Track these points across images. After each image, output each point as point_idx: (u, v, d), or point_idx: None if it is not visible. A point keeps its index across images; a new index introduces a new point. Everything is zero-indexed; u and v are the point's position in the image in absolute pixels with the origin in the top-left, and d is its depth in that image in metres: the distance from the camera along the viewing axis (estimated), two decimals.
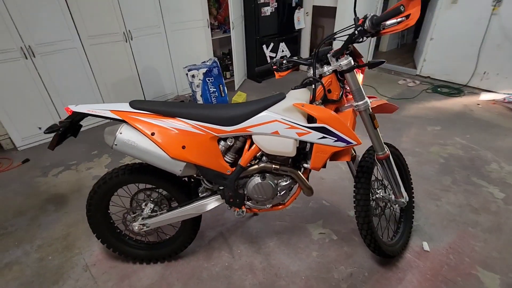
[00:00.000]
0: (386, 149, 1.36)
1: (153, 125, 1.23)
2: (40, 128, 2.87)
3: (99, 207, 1.43)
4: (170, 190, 1.43)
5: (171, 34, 3.37)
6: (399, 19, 1.06)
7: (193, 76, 3.06)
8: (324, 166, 1.31)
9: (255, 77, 4.29)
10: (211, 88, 3.18)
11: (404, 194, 1.46)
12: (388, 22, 1.07)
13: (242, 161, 1.31)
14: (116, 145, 1.22)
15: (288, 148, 1.27)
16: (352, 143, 1.22)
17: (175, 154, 1.23)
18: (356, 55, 1.27)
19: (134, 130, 1.23)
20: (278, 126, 1.24)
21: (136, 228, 1.44)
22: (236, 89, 3.96)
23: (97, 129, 3.14)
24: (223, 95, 3.27)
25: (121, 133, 1.22)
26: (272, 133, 1.25)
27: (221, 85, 3.21)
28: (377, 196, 1.52)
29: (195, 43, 3.62)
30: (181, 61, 3.56)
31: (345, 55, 1.20)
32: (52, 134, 1.28)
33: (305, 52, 4.55)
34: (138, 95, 3.39)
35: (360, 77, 1.32)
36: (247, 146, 1.31)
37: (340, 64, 1.20)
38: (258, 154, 1.32)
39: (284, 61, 1.32)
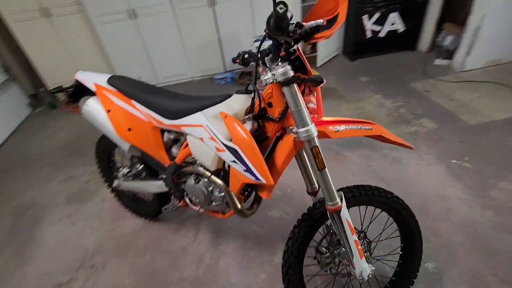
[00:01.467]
0: (338, 200, 0.97)
1: (112, 103, 1.32)
2: (140, 77, 3.55)
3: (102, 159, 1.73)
4: (146, 163, 1.53)
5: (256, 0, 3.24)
6: (318, 21, 0.68)
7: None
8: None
9: (350, 54, 3.65)
10: None
11: (360, 266, 1.03)
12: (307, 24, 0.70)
13: (177, 158, 1.25)
14: (82, 114, 1.40)
15: (208, 160, 1.11)
16: (259, 179, 0.94)
17: (121, 134, 1.30)
18: (303, 66, 0.89)
19: (99, 104, 1.36)
20: (203, 133, 1.08)
21: (114, 184, 1.66)
22: (317, 65, 3.53)
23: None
24: None
25: (87, 105, 1.38)
26: (199, 138, 1.11)
27: None
28: (335, 250, 1.14)
29: None
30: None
31: (282, 62, 0.86)
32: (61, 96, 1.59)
33: (428, 30, 3.42)
34: (217, 60, 3.57)
35: (311, 97, 0.94)
36: (184, 144, 1.23)
37: (274, 73, 0.88)
38: (191, 156, 1.22)
39: (246, 55, 1.08)
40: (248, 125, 1.02)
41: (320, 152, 0.91)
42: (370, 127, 1.00)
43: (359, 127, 0.99)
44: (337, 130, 0.97)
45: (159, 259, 1.60)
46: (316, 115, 0.96)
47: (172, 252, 1.64)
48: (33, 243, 1.81)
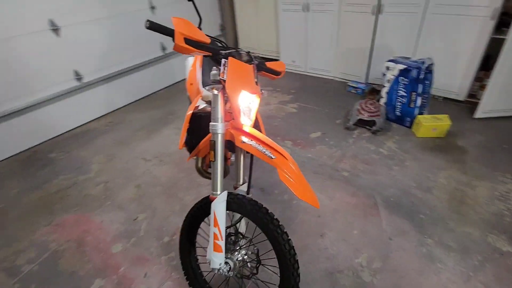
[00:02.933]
0: (218, 192, 1.19)
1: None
2: (294, 61, 4.12)
3: None
4: None
5: (430, 17, 2.80)
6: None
7: (387, 68, 2.66)
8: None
9: None
10: (400, 90, 2.62)
11: (210, 255, 1.18)
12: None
13: None
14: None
15: None
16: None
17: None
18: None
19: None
20: None
21: None
22: (475, 115, 2.72)
23: None
24: (412, 105, 2.59)
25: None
26: None
27: (414, 94, 2.53)
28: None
29: (458, 34, 2.71)
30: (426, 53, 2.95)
31: (217, 67, 1.16)
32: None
33: None
34: (360, 68, 3.49)
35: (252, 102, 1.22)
36: None
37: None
38: None
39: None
40: None
41: (216, 147, 1.17)
42: (274, 157, 1.12)
43: (265, 151, 1.14)
44: (243, 142, 1.17)
45: None
46: (233, 119, 1.19)
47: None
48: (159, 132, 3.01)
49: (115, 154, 2.73)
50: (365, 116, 2.68)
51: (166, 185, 2.29)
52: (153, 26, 0.96)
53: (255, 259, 1.30)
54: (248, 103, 1.22)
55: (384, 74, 2.75)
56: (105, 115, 3.51)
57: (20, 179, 2.50)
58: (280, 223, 1.17)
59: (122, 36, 3.38)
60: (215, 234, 1.17)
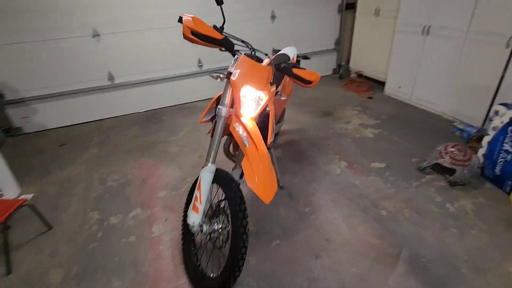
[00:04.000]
0: (209, 163, 1.40)
1: None
2: (400, 87, 3.74)
3: None
4: None
5: None
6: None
7: (496, 112, 2.09)
8: None
9: None
10: (506, 144, 2.03)
11: (192, 216, 1.38)
12: None
13: None
14: None
15: None
16: None
17: None
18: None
19: None
20: None
21: None
22: None
23: None
24: None
25: None
26: None
27: None
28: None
29: None
30: None
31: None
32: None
33: None
34: (477, 111, 2.83)
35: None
36: None
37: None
38: None
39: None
40: None
41: (216, 125, 1.40)
42: (248, 146, 1.27)
43: (244, 138, 1.30)
44: (234, 128, 1.36)
45: None
46: (232, 108, 1.40)
47: None
48: None
49: (199, 128, 3.34)
50: (446, 162, 2.23)
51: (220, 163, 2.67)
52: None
53: (226, 236, 1.46)
54: (254, 98, 1.38)
55: (490, 120, 2.20)
56: (209, 98, 4.27)
57: (138, 128, 3.46)
58: (245, 212, 1.30)
59: None
60: (196, 197, 1.41)
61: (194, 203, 1.40)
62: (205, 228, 1.43)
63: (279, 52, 2.43)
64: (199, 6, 3.57)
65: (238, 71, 1.34)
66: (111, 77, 3.60)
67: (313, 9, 4.29)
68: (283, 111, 2.82)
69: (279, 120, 2.69)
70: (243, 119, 1.37)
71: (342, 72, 4.73)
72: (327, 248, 1.76)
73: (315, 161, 2.61)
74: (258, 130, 1.37)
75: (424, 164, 2.36)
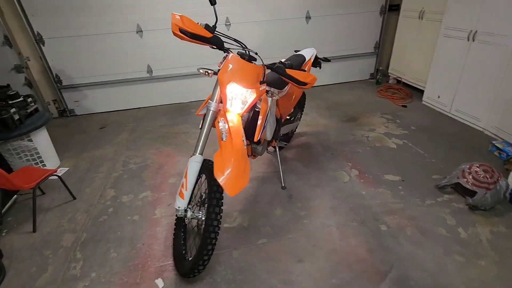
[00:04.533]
0: (197, 154, 1.49)
1: None
2: (439, 96, 3.43)
3: None
4: None
5: None
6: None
7: None
8: None
9: None
10: None
11: (178, 201, 1.47)
12: None
13: None
14: None
15: None
16: None
17: None
18: None
19: None
20: None
21: None
22: None
23: None
24: None
25: None
26: None
27: None
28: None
29: None
30: None
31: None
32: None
33: None
34: None
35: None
36: None
37: None
38: None
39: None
40: None
41: (205, 118, 1.48)
42: (225, 140, 1.34)
43: (223, 132, 1.38)
44: (219, 123, 1.43)
45: None
46: (221, 104, 1.46)
47: None
48: None
49: None
50: (468, 183, 2.01)
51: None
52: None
53: None
54: (240, 95, 1.43)
55: None
56: None
57: (166, 118, 3.72)
58: (220, 200, 1.36)
59: None
60: (182, 183, 1.51)
61: (180, 189, 1.50)
62: (189, 213, 1.53)
63: (296, 53, 2.41)
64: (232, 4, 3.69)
65: (226, 68, 1.40)
66: (150, 70, 3.93)
67: (352, 11, 4.12)
68: (298, 112, 2.80)
69: (292, 120, 2.68)
70: (229, 115, 1.43)
71: (379, 77, 4.47)
72: (312, 254, 1.74)
73: (325, 166, 2.55)
74: (241, 127, 1.41)
75: (443, 182, 2.15)
